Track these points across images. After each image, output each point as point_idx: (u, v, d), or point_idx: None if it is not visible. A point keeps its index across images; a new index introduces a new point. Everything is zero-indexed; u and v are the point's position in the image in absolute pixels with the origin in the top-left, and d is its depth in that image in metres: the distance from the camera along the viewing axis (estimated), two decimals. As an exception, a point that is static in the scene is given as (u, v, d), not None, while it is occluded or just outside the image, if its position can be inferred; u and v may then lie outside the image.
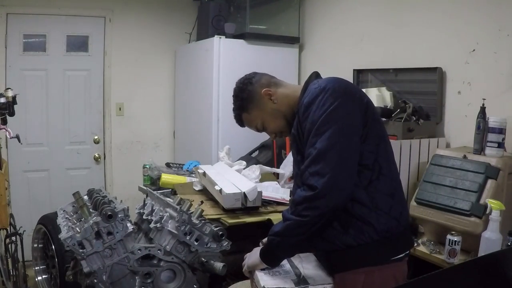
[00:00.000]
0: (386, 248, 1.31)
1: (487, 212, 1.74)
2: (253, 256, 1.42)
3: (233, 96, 1.57)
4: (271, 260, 1.38)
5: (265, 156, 3.21)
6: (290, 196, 2.44)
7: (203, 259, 1.65)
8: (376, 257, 1.30)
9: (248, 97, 1.52)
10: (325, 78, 1.40)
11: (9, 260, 2.44)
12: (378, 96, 2.66)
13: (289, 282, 1.32)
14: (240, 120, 1.57)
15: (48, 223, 2.67)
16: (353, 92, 1.34)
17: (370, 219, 1.28)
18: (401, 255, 1.34)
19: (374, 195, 1.29)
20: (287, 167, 2.74)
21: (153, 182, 3.00)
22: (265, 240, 1.46)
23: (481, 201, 1.79)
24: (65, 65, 3.70)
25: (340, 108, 1.26)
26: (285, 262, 1.43)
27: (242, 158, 2.93)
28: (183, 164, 3.21)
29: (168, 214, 1.70)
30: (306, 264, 1.44)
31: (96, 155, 3.89)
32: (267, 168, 2.70)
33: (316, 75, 1.48)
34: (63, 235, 1.56)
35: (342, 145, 1.24)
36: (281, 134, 1.56)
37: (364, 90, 2.16)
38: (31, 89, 3.58)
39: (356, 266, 1.30)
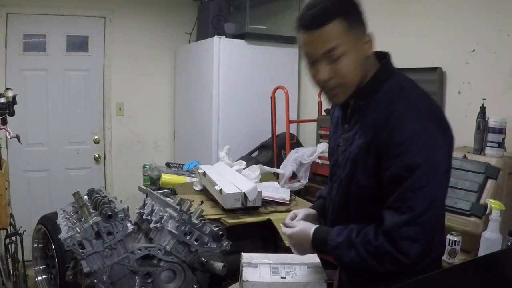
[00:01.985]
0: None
1: (487, 212, 1.74)
2: (303, 242, 1.20)
3: None
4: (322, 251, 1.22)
5: (265, 156, 3.21)
6: (290, 196, 2.44)
7: (203, 259, 1.65)
8: None
9: (360, 16, 1.15)
10: (416, 97, 1.16)
11: (9, 260, 2.44)
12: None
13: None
14: (322, 22, 1.06)
15: (48, 223, 2.67)
16: (450, 129, 1.12)
17: None
18: None
19: None
20: (287, 167, 2.74)
21: (153, 182, 3.00)
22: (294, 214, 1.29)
23: (481, 201, 1.79)
24: (65, 65, 3.70)
25: (442, 156, 1.07)
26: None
27: (242, 158, 2.93)
28: (183, 164, 3.21)
29: (168, 214, 1.70)
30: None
31: (96, 155, 3.89)
32: (267, 168, 2.70)
33: (390, 69, 1.23)
34: (63, 235, 1.56)
35: (439, 203, 1.08)
36: (341, 88, 1.13)
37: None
38: (31, 89, 3.58)
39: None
